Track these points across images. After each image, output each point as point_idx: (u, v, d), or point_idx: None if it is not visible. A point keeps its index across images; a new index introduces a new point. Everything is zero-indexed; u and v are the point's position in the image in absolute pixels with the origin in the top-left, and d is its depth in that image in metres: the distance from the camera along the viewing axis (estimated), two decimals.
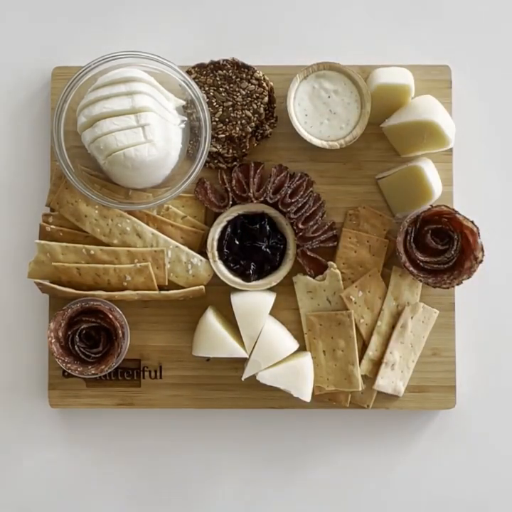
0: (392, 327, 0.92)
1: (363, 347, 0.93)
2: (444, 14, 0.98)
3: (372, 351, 0.93)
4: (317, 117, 0.91)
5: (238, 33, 0.97)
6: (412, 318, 0.92)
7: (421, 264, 0.89)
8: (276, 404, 0.93)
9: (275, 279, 0.92)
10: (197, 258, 0.92)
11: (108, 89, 0.86)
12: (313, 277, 0.93)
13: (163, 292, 0.91)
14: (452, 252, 0.89)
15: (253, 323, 0.90)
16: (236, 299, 0.91)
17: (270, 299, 0.92)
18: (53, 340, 0.88)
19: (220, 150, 0.93)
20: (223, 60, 0.92)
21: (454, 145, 0.91)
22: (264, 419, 0.96)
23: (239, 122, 0.91)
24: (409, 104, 0.91)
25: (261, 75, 0.92)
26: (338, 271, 0.92)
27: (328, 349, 0.92)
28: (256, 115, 0.91)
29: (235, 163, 0.93)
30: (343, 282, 0.92)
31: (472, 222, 0.88)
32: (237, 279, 0.92)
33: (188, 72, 0.92)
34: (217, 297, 0.93)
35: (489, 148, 0.97)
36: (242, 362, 0.91)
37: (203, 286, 0.92)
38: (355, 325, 0.92)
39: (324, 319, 0.92)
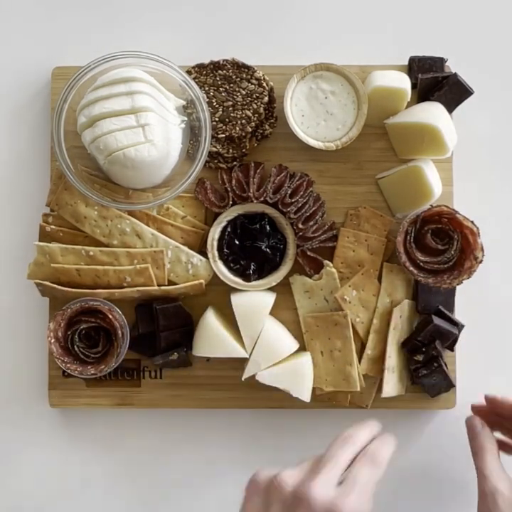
0: (388, 323, 0.92)
1: (362, 346, 0.93)
2: (445, 15, 0.98)
3: (370, 350, 0.92)
4: (314, 118, 0.91)
5: (238, 33, 0.97)
6: (401, 317, 0.92)
7: (421, 264, 0.89)
8: (276, 404, 0.93)
9: (275, 279, 0.92)
10: (197, 258, 0.92)
11: (108, 89, 0.86)
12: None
13: (163, 288, 0.91)
14: (452, 252, 0.89)
15: (253, 323, 0.90)
16: (236, 299, 0.91)
17: (270, 299, 0.92)
18: (53, 340, 0.88)
19: (220, 150, 0.93)
20: (223, 60, 0.92)
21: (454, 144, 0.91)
22: (264, 419, 0.96)
23: (239, 122, 0.91)
24: (416, 106, 0.91)
25: (261, 75, 0.92)
26: (334, 269, 0.92)
27: (325, 350, 0.92)
28: (256, 115, 0.91)
29: (234, 163, 0.93)
30: (341, 282, 0.92)
31: (472, 222, 0.88)
32: (237, 279, 0.92)
33: (188, 72, 0.92)
34: (217, 297, 0.93)
35: (489, 148, 0.97)
36: (242, 362, 0.91)
37: (202, 281, 0.91)
38: (352, 325, 0.92)
39: (320, 320, 0.92)
